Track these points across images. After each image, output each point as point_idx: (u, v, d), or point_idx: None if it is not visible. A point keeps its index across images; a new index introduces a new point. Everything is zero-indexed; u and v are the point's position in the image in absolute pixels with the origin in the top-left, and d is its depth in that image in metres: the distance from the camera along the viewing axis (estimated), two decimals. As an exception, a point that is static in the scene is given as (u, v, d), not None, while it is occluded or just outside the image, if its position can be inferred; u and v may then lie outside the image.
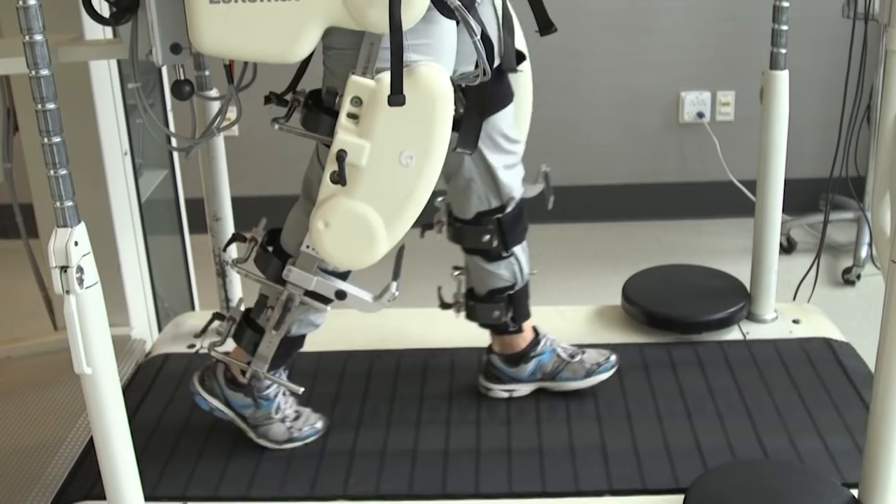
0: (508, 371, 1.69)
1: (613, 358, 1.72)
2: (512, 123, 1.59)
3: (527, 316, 1.69)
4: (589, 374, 1.69)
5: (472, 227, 1.61)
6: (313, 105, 1.39)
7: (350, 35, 1.31)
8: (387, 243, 1.36)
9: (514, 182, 1.60)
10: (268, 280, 1.50)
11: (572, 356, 1.70)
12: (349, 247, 1.37)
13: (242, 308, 1.58)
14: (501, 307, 1.65)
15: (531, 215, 1.67)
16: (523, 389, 1.70)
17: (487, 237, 1.60)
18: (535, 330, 1.71)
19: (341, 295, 1.46)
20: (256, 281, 1.51)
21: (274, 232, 1.53)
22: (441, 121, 1.31)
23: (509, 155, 1.59)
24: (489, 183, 1.58)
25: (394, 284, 1.46)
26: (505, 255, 1.62)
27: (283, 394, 1.60)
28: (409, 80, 1.28)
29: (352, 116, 1.31)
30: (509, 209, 1.60)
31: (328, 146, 1.34)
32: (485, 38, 1.32)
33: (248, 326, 1.54)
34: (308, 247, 1.43)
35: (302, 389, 1.56)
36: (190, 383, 1.62)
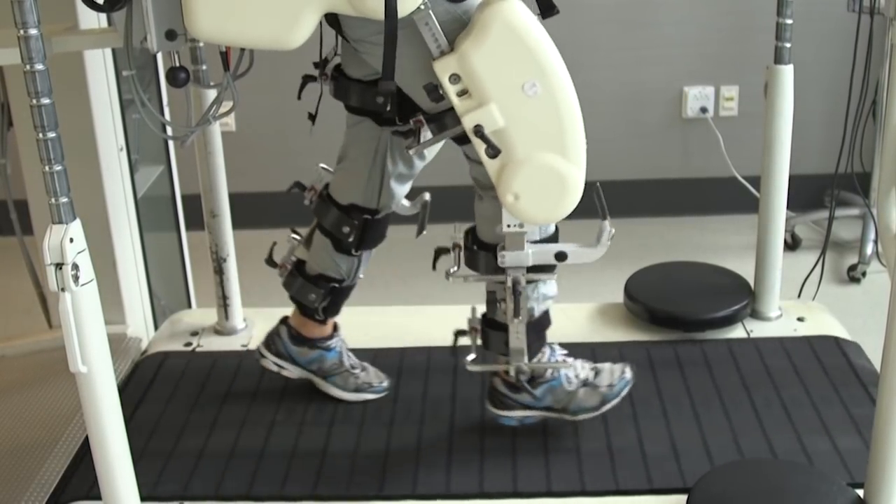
0: (290, 348, 1.68)
1: (386, 383, 1.72)
2: None
3: (336, 313, 1.70)
4: (357, 389, 1.70)
5: (341, 213, 1.60)
6: (429, 116, 1.40)
7: (378, 21, 1.29)
8: (577, 171, 1.36)
9: (399, 194, 1.61)
10: (486, 275, 1.49)
11: (352, 367, 1.71)
12: (548, 199, 1.37)
13: (479, 315, 1.56)
14: (321, 294, 1.64)
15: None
16: (293, 372, 1.70)
17: (347, 230, 1.59)
18: (335, 326, 1.72)
19: (562, 256, 1.46)
20: (478, 281, 1.51)
21: (471, 231, 1.53)
22: (530, 35, 1.30)
23: (410, 168, 1.60)
24: (376, 185, 1.58)
25: (606, 223, 1.45)
26: (354, 253, 1.63)
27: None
28: (478, 21, 1.29)
29: (462, 93, 1.31)
30: (380, 215, 1.61)
31: (461, 140, 1.36)
32: None
33: (491, 329, 1.53)
34: (510, 226, 1.42)
35: (577, 361, 1.56)
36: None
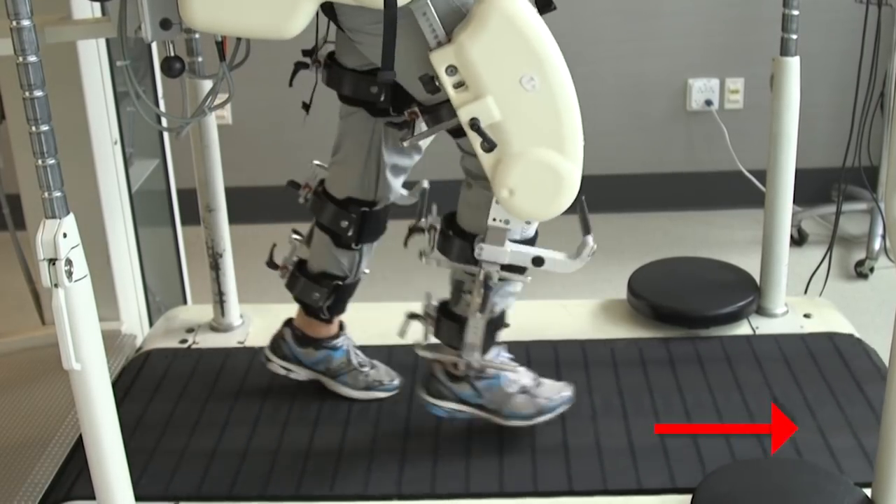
0: (295, 350, 1.67)
1: (397, 381, 1.70)
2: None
3: (342, 311, 1.67)
4: (368, 388, 1.68)
5: (338, 208, 1.58)
6: (424, 108, 1.38)
7: (375, 11, 1.27)
8: (574, 168, 1.34)
9: (397, 185, 1.59)
10: (457, 263, 1.46)
11: (361, 365, 1.68)
12: (543, 195, 1.35)
13: (435, 303, 1.54)
14: (325, 292, 1.62)
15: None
16: (300, 374, 1.69)
17: (346, 224, 1.58)
18: (340, 325, 1.70)
19: (539, 261, 1.44)
20: (448, 267, 1.48)
21: (450, 216, 1.50)
22: (530, 27, 1.29)
23: (405, 159, 1.58)
24: (372, 177, 1.56)
25: (589, 238, 1.44)
26: (354, 247, 1.61)
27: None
28: (477, 12, 1.28)
29: (458, 85, 1.30)
30: (378, 206, 1.59)
31: (456, 133, 1.34)
32: None
33: (447, 319, 1.51)
34: (495, 219, 1.40)
35: (521, 368, 1.53)
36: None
